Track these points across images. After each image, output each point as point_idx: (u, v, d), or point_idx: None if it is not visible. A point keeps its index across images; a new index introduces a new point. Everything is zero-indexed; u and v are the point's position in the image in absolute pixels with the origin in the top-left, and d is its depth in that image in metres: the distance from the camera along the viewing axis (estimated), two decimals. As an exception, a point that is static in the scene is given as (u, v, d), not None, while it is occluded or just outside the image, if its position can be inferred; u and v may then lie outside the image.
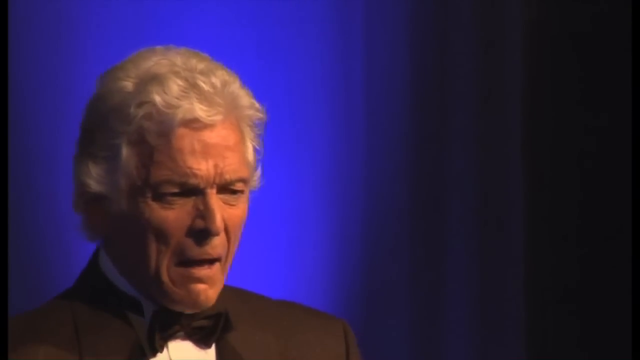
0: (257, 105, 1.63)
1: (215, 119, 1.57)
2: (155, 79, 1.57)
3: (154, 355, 1.59)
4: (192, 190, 1.56)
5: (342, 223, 3.46)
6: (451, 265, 3.52)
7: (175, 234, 1.56)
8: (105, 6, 3.11)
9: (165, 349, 1.60)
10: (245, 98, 1.61)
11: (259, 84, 3.48)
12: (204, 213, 1.56)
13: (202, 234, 1.56)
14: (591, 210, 3.65)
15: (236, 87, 1.60)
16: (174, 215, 1.57)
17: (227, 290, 1.64)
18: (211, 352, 1.63)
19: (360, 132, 3.52)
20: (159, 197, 1.56)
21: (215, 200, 1.57)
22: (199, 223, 1.56)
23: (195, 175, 1.56)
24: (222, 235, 1.58)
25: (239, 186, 1.60)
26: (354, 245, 3.45)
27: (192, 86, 1.57)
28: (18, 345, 1.58)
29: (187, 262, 1.57)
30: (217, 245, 1.58)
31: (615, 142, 3.60)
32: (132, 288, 1.62)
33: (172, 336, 1.60)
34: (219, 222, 1.56)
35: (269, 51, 3.33)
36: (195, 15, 3.23)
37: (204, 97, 1.56)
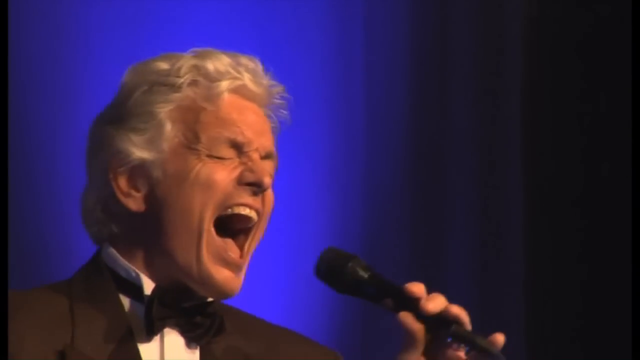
0: (285, 100, 1.73)
1: (259, 91, 1.69)
2: (200, 54, 1.68)
3: (149, 335, 1.62)
4: (240, 148, 1.65)
5: (341, 222, 3.46)
6: (451, 267, 3.53)
7: (222, 185, 1.63)
8: (105, 5, 3.11)
9: (159, 338, 1.64)
10: (278, 87, 1.72)
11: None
12: (253, 168, 1.65)
13: (250, 185, 1.64)
14: (591, 208, 3.65)
15: (270, 74, 1.72)
16: (222, 168, 1.64)
17: (223, 304, 1.70)
18: (196, 354, 1.66)
19: (360, 129, 3.52)
20: (209, 155, 1.64)
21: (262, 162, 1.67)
22: (249, 176, 1.65)
23: (243, 134, 1.65)
24: (261, 200, 1.66)
25: (270, 164, 1.69)
26: (353, 244, 3.45)
27: (239, 62, 1.68)
28: (12, 315, 1.60)
29: (229, 213, 1.63)
30: (258, 201, 1.66)
31: (615, 142, 3.60)
32: (134, 273, 1.65)
33: (167, 322, 1.62)
34: (268, 178, 1.65)
35: (269, 49, 3.34)
36: (195, 15, 3.23)
37: (250, 71, 1.68)
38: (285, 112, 1.73)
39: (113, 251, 1.68)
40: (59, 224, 3.09)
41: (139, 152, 1.64)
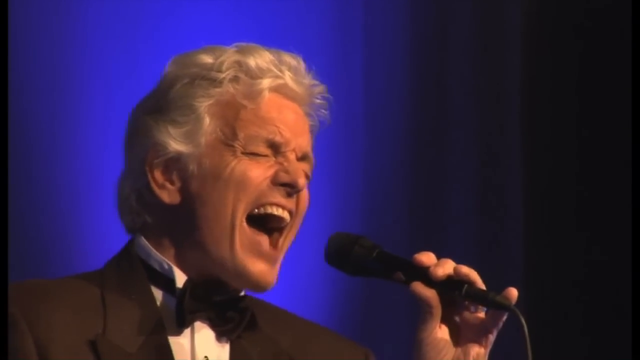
0: (326, 101, 1.73)
1: (300, 90, 1.69)
2: (243, 50, 1.68)
3: (180, 327, 1.63)
4: (277, 148, 1.66)
5: (341, 218, 3.47)
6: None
7: (256, 183, 1.64)
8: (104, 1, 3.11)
9: (190, 331, 1.64)
10: (319, 87, 1.72)
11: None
12: (289, 169, 1.65)
13: (284, 186, 1.65)
14: (590, 204, 3.65)
15: (312, 76, 1.72)
16: (257, 166, 1.65)
17: (254, 298, 1.71)
18: (226, 348, 1.67)
19: (360, 121, 3.53)
20: (245, 152, 1.65)
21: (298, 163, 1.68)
22: (284, 176, 1.65)
23: (281, 134, 1.66)
24: (294, 201, 1.67)
25: (305, 165, 1.70)
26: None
27: (281, 60, 1.69)
28: (43, 302, 1.60)
29: (262, 212, 1.64)
30: (291, 202, 1.66)
31: (615, 134, 3.59)
32: (167, 265, 1.66)
33: (198, 315, 1.63)
34: (302, 179, 1.66)
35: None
36: (194, 13, 3.23)
37: (292, 69, 1.68)
38: (325, 111, 1.73)
39: (145, 242, 1.68)
40: (60, 223, 3.08)
41: (176, 144, 1.65)
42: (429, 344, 1.58)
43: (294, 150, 1.67)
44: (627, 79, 3.50)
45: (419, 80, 3.58)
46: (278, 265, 1.67)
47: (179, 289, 1.64)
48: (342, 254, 1.62)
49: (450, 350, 1.58)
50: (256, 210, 1.64)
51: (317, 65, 3.47)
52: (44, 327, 1.57)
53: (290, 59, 1.69)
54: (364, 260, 1.61)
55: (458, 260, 1.63)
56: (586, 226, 3.68)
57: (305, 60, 1.71)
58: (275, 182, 1.64)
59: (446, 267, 1.57)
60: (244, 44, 1.70)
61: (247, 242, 1.63)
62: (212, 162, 1.66)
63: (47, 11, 3.09)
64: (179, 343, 1.63)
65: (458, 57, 3.60)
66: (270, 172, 1.65)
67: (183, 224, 1.66)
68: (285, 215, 1.66)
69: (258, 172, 1.64)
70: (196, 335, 1.64)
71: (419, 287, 1.57)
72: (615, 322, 3.60)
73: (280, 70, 1.67)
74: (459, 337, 1.60)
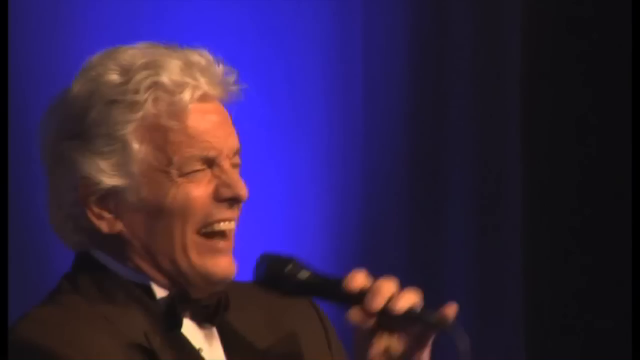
0: (238, 84, 1.68)
1: (217, 91, 1.65)
2: (151, 64, 1.62)
3: (176, 328, 1.63)
4: (211, 161, 1.63)
5: (341, 212, 3.46)
6: (449, 262, 3.52)
7: (200, 205, 1.61)
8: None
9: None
10: (231, 74, 1.67)
11: (258, 73, 3.47)
12: (229, 182, 1.63)
13: (229, 201, 1.63)
14: (590, 197, 3.65)
15: (221, 63, 1.67)
16: (197, 186, 1.62)
17: None
18: (214, 330, 1.67)
19: (359, 124, 3.52)
20: (181, 175, 1.61)
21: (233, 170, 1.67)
22: (226, 192, 1.63)
23: (214, 148, 1.62)
24: (238, 207, 1.66)
25: (237, 159, 1.68)
26: (353, 237, 3.44)
27: (190, 64, 1.63)
28: (72, 328, 1.58)
29: (210, 230, 1.63)
30: (236, 211, 1.65)
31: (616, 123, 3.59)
32: (139, 276, 1.64)
33: (183, 315, 1.63)
34: (244, 190, 1.64)
35: (267, 40, 3.34)
36: (193, 11, 3.23)
37: (205, 72, 1.63)
38: (238, 90, 1.68)
39: (107, 257, 1.66)
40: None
41: (109, 179, 1.61)
42: None
43: (227, 156, 1.65)
44: (627, 66, 3.50)
45: (418, 70, 3.57)
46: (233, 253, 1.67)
47: (163, 298, 1.64)
48: (272, 276, 1.62)
49: None
50: (204, 230, 1.63)
51: (316, 59, 3.48)
52: (87, 351, 1.56)
53: (199, 59, 1.64)
54: (296, 282, 1.60)
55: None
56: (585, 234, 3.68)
57: (207, 48, 1.67)
58: (219, 199, 1.63)
59: (383, 296, 1.54)
60: (146, 49, 1.65)
61: (201, 251, 1.62)
62: (150, 191, 1.61)
63: (47, 11, 3.08)
64: (172, 346, 1.63)
65: (458, 45, 3.59)
66: (211, 188, 1.63)
67: (130, 248, 1.64)
68: (232, 225, 1.65)
69: (199, 193, 1.62)
70: (186, 333, 1.64)
71: (356, 316, 1.55)
72: (614, 327, 3.60)
73: (195, 78, 1.62)
74: (399, 347, 1.58)
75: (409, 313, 1.54)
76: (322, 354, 1.74)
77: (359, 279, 1.56)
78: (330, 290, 1.59)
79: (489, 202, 3.61)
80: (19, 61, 2.96)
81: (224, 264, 1.64)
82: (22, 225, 3.22)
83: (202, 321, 1.65)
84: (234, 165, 1.67)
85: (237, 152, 1.67)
